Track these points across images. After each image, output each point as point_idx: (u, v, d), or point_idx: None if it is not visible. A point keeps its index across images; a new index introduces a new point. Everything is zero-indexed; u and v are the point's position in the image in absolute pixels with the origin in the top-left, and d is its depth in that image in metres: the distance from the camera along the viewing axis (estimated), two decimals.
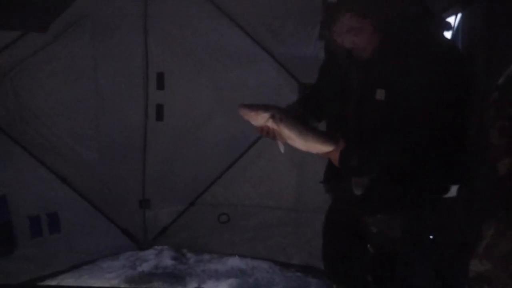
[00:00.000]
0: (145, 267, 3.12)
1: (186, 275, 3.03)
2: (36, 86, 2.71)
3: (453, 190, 1.88)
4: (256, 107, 1.92)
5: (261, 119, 1.90)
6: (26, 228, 2.79)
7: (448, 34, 1.91)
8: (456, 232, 2.38)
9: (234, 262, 3.20)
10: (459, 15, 2.10)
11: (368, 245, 2.06)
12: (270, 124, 1.89)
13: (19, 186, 2.76)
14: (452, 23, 2.06)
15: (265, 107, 1.91)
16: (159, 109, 2.92)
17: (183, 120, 3.00)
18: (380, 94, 1.80)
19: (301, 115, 1.99)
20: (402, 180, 1.82)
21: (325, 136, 1.92)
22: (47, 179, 2.88)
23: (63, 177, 2.94)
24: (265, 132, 1.94)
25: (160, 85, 2.86)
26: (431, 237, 2.62)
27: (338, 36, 1.83)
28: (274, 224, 3.14)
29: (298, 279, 2.88)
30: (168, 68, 2.90)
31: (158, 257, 3.25)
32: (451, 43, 1.81)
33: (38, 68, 2.68)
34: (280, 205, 3.11)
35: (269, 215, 3.14)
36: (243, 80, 2.91)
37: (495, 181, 1.42)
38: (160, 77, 2.87)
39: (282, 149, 1.95)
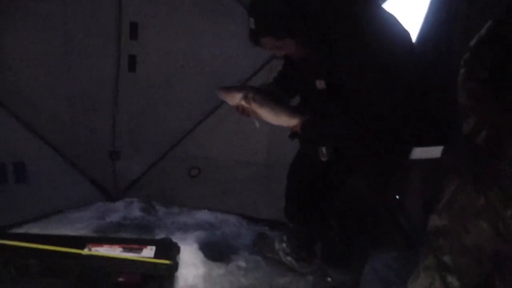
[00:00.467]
0: (114, 218, 3.15)
1: (154, 227, 3.08)
2: (5, 39, 2.63)
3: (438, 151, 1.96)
4: (230, 88, 2.21)
5: (235, 99, 2.17)
6: None
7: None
8: (422, 191, 2.48)
9: (203, 215, 3.26)
10: None
11: (335, 199, 2.17)
12: (243, 103, 2.15)
13: None
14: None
15: (238, 88, 2.20)
16: (132, 60, 2.86)
17: (156, 72, 2.95)
18: (320, 85, 2.00)
19: (273, 93, 2.22)
20: (361, 147, 2.02)
21: (293, 110, 2.13)
22: (15, 128, 2.83)
23: (32, 127, 2.90)
24: (240, 111, 2.20)
25: (134, 35, 2.80)
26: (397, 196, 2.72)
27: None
28: (245, 179, 3.18)
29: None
30: (142, 18, 2.82)
31: (128, 209, 3.28)
32: (378, 33, 1.90)
33: (5, 20, 2.60)
34: (251, 160, 3.14)
35: (240, 170, 3.18)
36: (221, 35, 2.88)
37: (461, 139, 1.48)
38: (134, 27, 2.80)
39: (257, 124, 2.20)
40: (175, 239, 2.62)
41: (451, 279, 1.54)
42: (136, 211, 3.26)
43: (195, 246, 2.79)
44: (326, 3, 1.89)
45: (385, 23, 1.95)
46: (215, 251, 2.78)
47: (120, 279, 2.24)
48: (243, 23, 2.81)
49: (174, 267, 2.33)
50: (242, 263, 2.69)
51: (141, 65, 2.90)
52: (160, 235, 2.81)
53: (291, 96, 2.31)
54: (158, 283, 2.26)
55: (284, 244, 2.66)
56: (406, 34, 1.99)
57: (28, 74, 2.73)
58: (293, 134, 2.23)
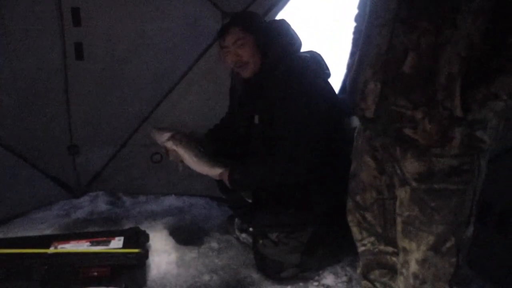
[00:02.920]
0: (80, 214, 3.13)
1: (122, 218, 3.07)
2: None
3: None
4: (162, 128, 2.46)
5: (163, 137, 2.40)
6: None
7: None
8: None
9: (171, 201, 3.28)
10: None
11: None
12: (169, 144, 2.38)
13: None
14: None
15: (169, 129, 2.43)
16: (78, 47, 2.79)
17: (105, 58, 2.89)
18: (256, 119, 2.31)
19: (201, 141, 2.47)
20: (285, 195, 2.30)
21: (214, 161, 2.37)
22: None
23: None
24: (166, 150, 2.45)
25: (76, 22, 2.73)
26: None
27: (228, 54, 2.28)
28: None
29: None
30: (84, 2, 2.75)
31: (93, 203, 3.26)
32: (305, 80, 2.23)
33: None
34: None
35: None
36: (166, 11, 2.84)
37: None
38: (76, 12, 2.73)
39: (180, 168, 2.47)
40: (144, 227, 2.63)
41: (368, 215, 1.77)
42: (102, 205, 3.24)
43: (165, 233, 2.80)
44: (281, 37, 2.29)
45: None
46: (186, 235, 2.80)
47: (90, 274, 2.24)
48: (195, 1, 2.82)
49: (145, 255, 2.34)
50: (214, 244, 2.72)
51: (88, 52, 2.83)
52: (128, 226, 2.80)
53: (221, 146, 2.54)
54: (129, 273, 2.27)
55: (237, 220, 2.73)
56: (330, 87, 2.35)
57: None
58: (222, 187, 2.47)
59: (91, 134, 3.19)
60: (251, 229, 2.35)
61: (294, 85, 2.16)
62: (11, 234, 2.78)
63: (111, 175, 3.35)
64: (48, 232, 2.86)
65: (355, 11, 1.78)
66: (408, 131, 1.43)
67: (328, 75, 2.35)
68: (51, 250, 2.34)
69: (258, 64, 2.26)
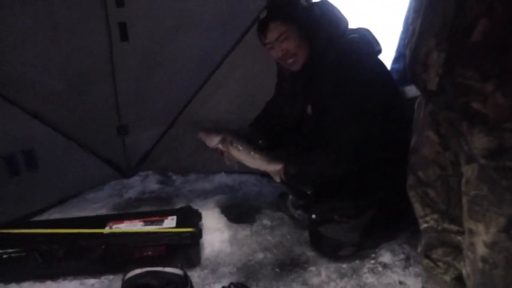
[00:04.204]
0: (131, 193, 3.19)
1: (173, 196, 3.12)
2: None
3: None
4: (209, 131, 2.42)
5: (213, 141, 2.37)
6: (2, 168, 2.80)
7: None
8: None
9: (221, 179, 3.28)
10: None
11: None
12: (222, 146, 2.35)
13: None
14: None
15: (217, 131, 2.39)
16: (122, 28, 2.79)
17: (150, 38, 2.89)
18: (309, 110, 2.24)
19: (251, 137, 2.40)
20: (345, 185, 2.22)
21: (270, 156, 2.31)
22: (17, 116, 2.82)
23: (33, 112, 2.89)
24: (218, 153, 2.41)
25: (119, 2, 2.72)
26: None
27: (272, 49, 2.19)
28: None
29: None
30: None
31: (144, 183, 3.32)
32: (367, 64, 2.15)
33: None
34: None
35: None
36: None
37: None
38: None
39: (235, 166, 2.43)
40: (195, 206, 2.65)
41: (430, 192, 1.69)
42: (152, 184, 3.30)
43: (217, 211, 2.81)
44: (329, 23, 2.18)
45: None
46: (238, 213, 2.80)
47: (145, 253, 2.27)
48: None
49: (198, 234, 2.35)
50: (267, 222, 2.71)
51: (133, 33, 2.83)
52: (180, 205, 2.83)
53: (268, 139, 2.43)
54: (184, 252, 2.29)
55: (291, 197, 2.69)
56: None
57: (19, 59, 2.69)
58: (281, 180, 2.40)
59: (139, 114, 3.23)
60: (314, 216, 2.31)
61: (346, 72, 2.07)
62: (67, 214, 2.85)
63: (160, 155, 3.39)
64: (101, 212, 2.93)
65: None
66: (476, 105, 1.33)
67: (379, 51, 2.24)
68: (107, 230, 2.39)
69: (306, 53, 2.17)
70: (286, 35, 2.12)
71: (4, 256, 2.22)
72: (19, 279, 2.25)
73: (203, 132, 2.44)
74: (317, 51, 2.15)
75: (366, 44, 2.21)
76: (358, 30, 2.25)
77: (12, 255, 2.23)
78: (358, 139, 2.08)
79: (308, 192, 2.33)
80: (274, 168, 2.33)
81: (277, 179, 2.35)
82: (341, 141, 2.10)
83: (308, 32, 2.14)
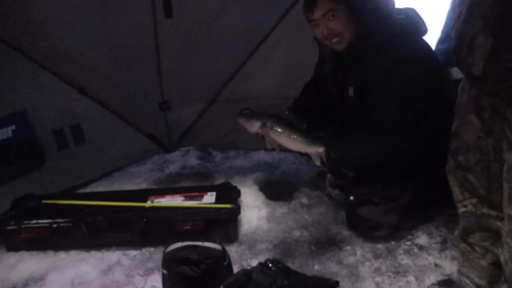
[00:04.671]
0: (172, 168, 3.28)
1: (213, 172, 3.18)
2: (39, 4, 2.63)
3: None
4: (249, 116, 2.45)
5: (254, 127, 2.41)
6: (52, 141, 2.93)
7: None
8: None
9: (260, 156, 3.32)
10: None
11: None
12: (262, 131, 2.37)
13: (38, 101, 2.83)
14: None
15: (257, 116, 2.42)
16: (167, 4, 2.83)
17: (194, 15, 2.92)
18: (350, 91, 2.22)
19: (291, 120, 2.40)
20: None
21: (311, 139, 2.32)
22: (65, 91, 2.94)
23: (80, 88, 2.99)
24: (260, 137, 2.43)
25: None
26: None
27: (317, 27, 2.15)
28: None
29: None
30: None
31: (185, 158, 3.40)
32: (414, 49, 2.11)
33: None
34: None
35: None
36: None
37: None
38: None
39: (278, 150, 2.51)
40: (234, 183, 2.68)
41: (470, 176, 1.68)
42: (193, 160, 3.37)
43: (255, 188, 2.85)
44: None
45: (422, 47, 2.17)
46: (276, 190, 2.82)
47: (185, 227, 2.33)
48: None
49: (237, 210, 2.39)
50: (304, 200, 2.73)
51: (177, 9, 2.86)
52: (219, 181, 2.88)
53: (308, 121, 2.42)
54: (222, 227, 2.34)
55: (329, 176, 2.67)
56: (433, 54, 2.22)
57: (69, 35, 2.78)
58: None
59: (181, 91, 3.28)
60: (352, 197, 2.31)
61: (394, 55, 2.03)
62: (112, 188, 2.97)
63: (201, 131, 3.45)
64: (144, 185, 3.03)
65: None
66: None
67: (425, 32, 2.19)
68: (148, 204, 2.46)
69: (352, 33, 2.11)
70: (333, 12, 2.07)
71: (54, 225, 2.35)
72: (67, 248, 2.37)
73: (243, 118, 2.46)
74: (364, 31, 2.10)
75: (413, 25, 2.16)
76: (405, 11, 2.20)
77: (61, 225, 2.35)
78: (407, 121, 2.05)
79: (349, 175, 2.32)
80: (315, 150, 2.33)
81: (317, 162, 2.36)
82: (389, 123, 2.07)
83: (356, 12, 2.08)
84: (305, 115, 2.46)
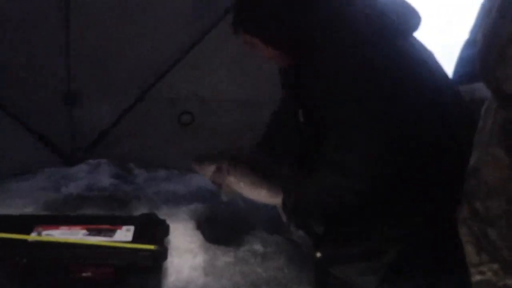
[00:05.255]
0: (73, 188, 3.22)
1: (133, 198, 3.14)
2: None
3: None
4: (204, 158, 2.40)
5: (208, 172, 2.36)
6: None
7: None
8: None
9: (200, 180, 3.30)
10: None
11: None
12: (216, 177, 2.35)
13: None
14: None
15: (212, 158, 2.38)
16: None
17: None
18: (300, 115, 2.17)
19: (259, 160, 2.37)
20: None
21: (275, 188, 2.25)
22: None
23: None
24: (217, 185, 2.39)
25: None
26: None
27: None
28: (253, 124, 3.15)
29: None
30: None
31: (93, 175, 3.35)
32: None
33: None
34: (261, 99, 2.98)
35: (248, 112, 3.15)
36: None
37: None
38: None
39: (240, 203, 2.64)
40: (162, 215, 2.65)
41: (491, 232, 1.63)
42: (104, 178, 3.32)
43: (190, 225, 2.84)
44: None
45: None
46: (220, 231, 2.82)
47: (85, 275, 2.27)
48: None
49: (162, 254, 2.36)
50: (258, 247, 2.72)
51: None
52: (140, 211, 2.85)
53: (280, 159, 2.41)
54: (139, 278, 2.30)
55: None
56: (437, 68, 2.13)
57: None
58: None
59: (97, 79, 3.23)
60: (318, 254, 2.32)
61: (342, 65, 1.99)
62: None
63: (121, 138, 3.38)
64: (29, 210, 2.94)
65: None
66: None
67: (405, 31, 2.22)
68: (33, 236, 2.38)
69: (288, 56, 2.15)
70: (251, 45, 2.12)
71: None
72: None
73: (195, 161, 2.46)
74: (300, 52, 2.11)
75: (378, 23, 2.19)
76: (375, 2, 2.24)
77: None
78: (365, 157, 2.04)
79: (318, 231, 2.33)
80: (278, 201, 2.36)
81: (284, 218, 2.38)
82: (339, 159, 2.06)
83: (284, 40, 2.12)
84: (280, 153, 2.47)
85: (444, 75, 2.24)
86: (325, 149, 2.05)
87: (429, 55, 2.16)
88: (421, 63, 2.15)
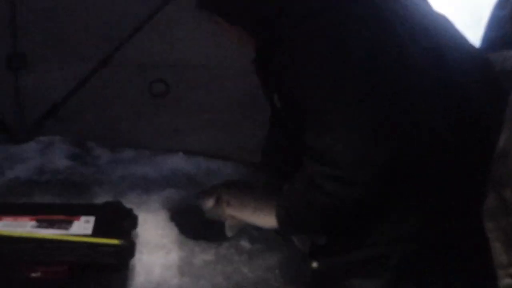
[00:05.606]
0: (21, 171, 3.21)
1: (93, 184, 3.13)
2: None
3: None
4: (205, 191, 2.59)
5: (208, 205, 2.53)
6: None
7: None
8: None
9: (177, 162, 3.32)
10: None
11: None
12: (219, 211, 2.49)
13: None
14: None
15: (212, 189, 2.56)
16: None
17: None
18: (275, 100, 2.25)
19: (256, 180, 2.59)
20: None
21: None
22: None
23: None
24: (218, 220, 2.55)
25: None
26: None
27: None
28: (239, 97, 3.19)
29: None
30: None
31: (45, 155, 3.34)
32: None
33: None
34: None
35: (232, 81, 3.19)
36: None
37: None
38: None
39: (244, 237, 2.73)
40: (129, 203, 2.68)
41: None
42: (59, 159, 3.31)
43: (162, 216, 2.84)
44: None
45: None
46: (199, 223, 2.77)
47: (35, 275, 2.28)
48: None
49: (129, 250, 2.37)
50: (244, 243, 2.73)
51: None
52: (102, 198, 2.85)
53: (283, 175, 2.41)
54: (101, 278, 2.31)
55: None
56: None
57: None
58: None
59: (50, 39, 3.24)
60: (315, 265, 2.33)
61: (309, 32, 2.01)
62: None
63: (78, 111, 3.40)
64: None
65: None
66: None
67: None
68: None
69: (253, 36, 2.25)
70: (219, 29, 2.25)
71: None
72: None
73: (199, 194, 2.60)
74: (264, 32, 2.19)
75: None
76: None
77: None
78: (358, 141, 1.99)
79: (319, 242, 2.34)
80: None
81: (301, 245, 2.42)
82: (329, 147, 2.00)
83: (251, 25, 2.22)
84: (282, 167, 2.51)
85: (461, 43, 2.23)
86: (305, 136, 2.06)
87: (435, 18, 2.17)
88: (417, 28, 2.12)
